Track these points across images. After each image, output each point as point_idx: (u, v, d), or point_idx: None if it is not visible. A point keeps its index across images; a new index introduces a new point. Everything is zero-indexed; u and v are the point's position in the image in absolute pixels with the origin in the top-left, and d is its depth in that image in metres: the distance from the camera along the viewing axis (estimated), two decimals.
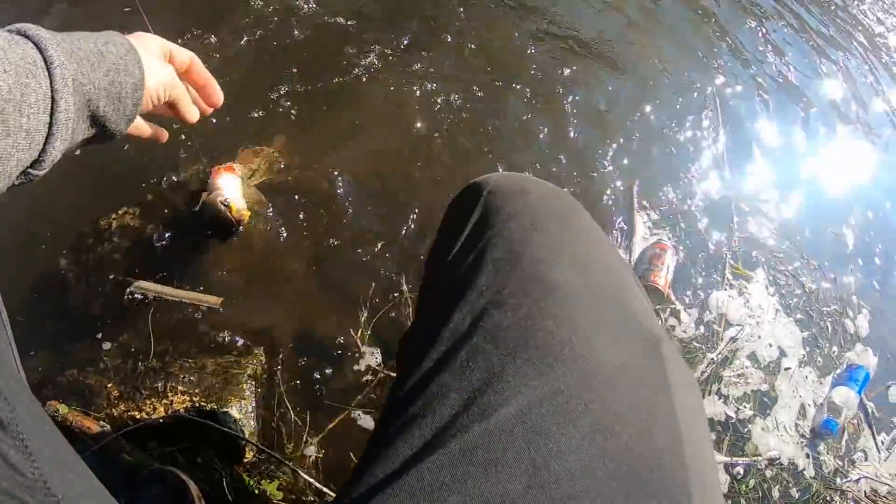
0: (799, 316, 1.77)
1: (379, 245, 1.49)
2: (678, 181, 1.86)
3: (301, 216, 1.48)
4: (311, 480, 1.13)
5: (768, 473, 1.56)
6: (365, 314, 1.41)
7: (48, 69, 0.50)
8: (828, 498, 1.56)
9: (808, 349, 1.73)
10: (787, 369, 1.68)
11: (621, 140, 1.85)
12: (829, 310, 1.83)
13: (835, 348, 1.78)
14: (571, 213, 0.68)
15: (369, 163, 1.60)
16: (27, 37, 0.51)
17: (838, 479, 1.61)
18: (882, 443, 1.76)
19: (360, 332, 1.37)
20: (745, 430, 1.60)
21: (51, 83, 0.50)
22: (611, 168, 1.80)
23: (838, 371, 1.74)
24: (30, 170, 0.52)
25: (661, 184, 1.83)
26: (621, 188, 1.78)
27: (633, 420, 0.49)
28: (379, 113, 1.68)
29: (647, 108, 1.94)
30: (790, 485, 1.58)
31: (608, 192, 1.77)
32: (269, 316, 1.35)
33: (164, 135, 0.79)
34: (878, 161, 2.19)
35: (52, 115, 0.50)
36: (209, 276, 1.36)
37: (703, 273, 1.75)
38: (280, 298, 1.40)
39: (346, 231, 1.50)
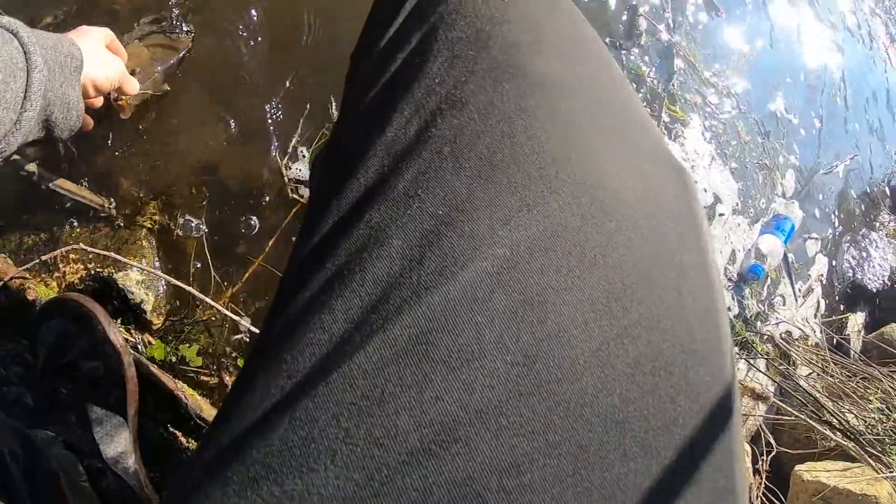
0: (734, 165, 1.72)
1: (300, 73, 1.21)
2: (623, 16, 1.70)
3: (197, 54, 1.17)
4: (245, 322, 0.92)
5: None
6: (295, 142, 1.14)
7: (28, 73, 0.56)
8: (749, 339, 1.57)
9: (741, 198, 1.70)
10: (720, 215, 1.64)
11: None
12: (762, 162, 1.79)
13: (763, 200, 1.76)
14: None
15: None
16: (15, 35, 0.57)
17: (759, 323, 1.63)
18: (798, 290, 1.80)
19: (284, 162, 1.11)
20: None
21: (26, 86, 0.56)
22: None
23: (766, 220, 1.73)
24: None
25: (605, 18, 1.67)
26: None
27: (659, 280, 0.34)
28: None
29: None
30: None
31: None
32: (173, 165, 1.05)
33: (90, 123, 0.83)
34: (821, 27, 2.14)
35: (20, 113, 0.56)
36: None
37: None
38: (183, 147, 1.08)
39: (257, 64, 1.19)
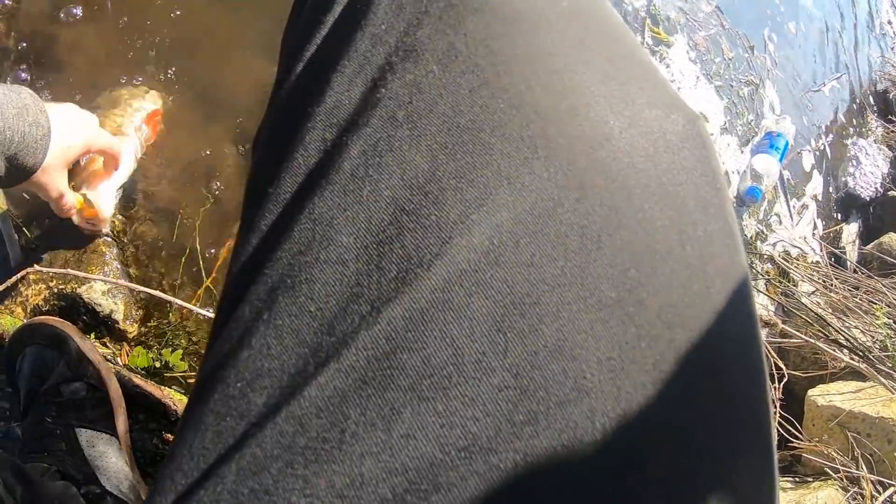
0: (718, 83, 1.66)
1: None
2: None
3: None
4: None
5: None
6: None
7: None
8: (749, 261, 1.55)
9: (728, 117, 1.64)
10: (710, 135, 1.58)
11: None
12: (746, 78, 1.73)
13: (752, 116, 1.71)
14: None
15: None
16: None
17: (759, 243, 1.60)
18: (793, 208, 1.77)
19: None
20: None
21: None
22: None
23: (758, 139, 1.67)
24: None
25: None
26: None
27: (681, 261, 0.27)
28: None
29: None
30: None
31: None
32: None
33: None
34: None
35: None
36: None
37: None
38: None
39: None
